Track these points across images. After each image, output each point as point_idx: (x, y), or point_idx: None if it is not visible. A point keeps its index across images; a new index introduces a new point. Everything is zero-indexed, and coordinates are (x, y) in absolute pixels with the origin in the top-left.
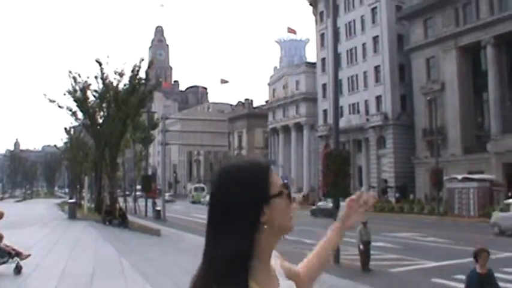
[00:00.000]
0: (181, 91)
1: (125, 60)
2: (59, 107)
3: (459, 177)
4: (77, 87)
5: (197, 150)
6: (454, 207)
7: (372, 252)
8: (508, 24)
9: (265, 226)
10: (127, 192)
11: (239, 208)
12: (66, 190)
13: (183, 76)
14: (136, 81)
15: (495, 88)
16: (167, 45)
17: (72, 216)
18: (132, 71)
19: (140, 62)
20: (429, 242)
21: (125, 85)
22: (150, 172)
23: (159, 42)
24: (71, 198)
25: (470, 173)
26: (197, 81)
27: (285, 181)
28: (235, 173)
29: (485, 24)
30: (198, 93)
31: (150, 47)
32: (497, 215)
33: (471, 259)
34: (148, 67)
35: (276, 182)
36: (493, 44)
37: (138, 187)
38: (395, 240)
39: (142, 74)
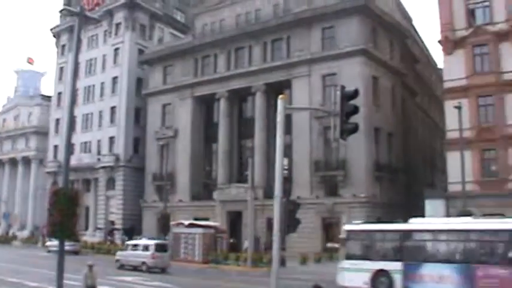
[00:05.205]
0: None
1: None
2: None
3: (186, 222)
4: None
5: None
6: (180, 251)
7: None
8: (241, 81)
9: None
10: None
11: None
12: None
13: None
14: None
15: (225, 139)
16: None
17: None
18: None
19: None
20: (155, 286)
21: None
22: None
23: None
24: None
25: (196, 219)
26: None
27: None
28: None
29: (221, 78)
30: None
31: None
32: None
33: None
34: None
35: None
36: (226, 98)
37: None
38: (121, 285)
39: None
